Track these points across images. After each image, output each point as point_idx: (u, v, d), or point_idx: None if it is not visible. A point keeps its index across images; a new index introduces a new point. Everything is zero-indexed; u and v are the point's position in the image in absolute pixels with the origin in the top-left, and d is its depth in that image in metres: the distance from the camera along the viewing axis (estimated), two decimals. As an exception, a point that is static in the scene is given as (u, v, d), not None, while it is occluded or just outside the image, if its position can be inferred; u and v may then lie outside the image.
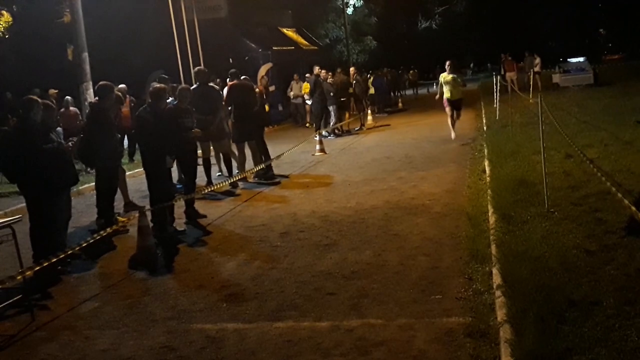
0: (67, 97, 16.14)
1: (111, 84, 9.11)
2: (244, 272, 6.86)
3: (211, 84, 12.51)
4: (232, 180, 11.57)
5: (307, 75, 24.05)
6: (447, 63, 16.13)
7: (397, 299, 5.66)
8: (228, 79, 12.81)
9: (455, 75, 15.92)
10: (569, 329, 4.26)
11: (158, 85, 8.75)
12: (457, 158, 12.96)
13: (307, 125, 23.58)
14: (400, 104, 30.57)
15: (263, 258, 7.30)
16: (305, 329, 5.23)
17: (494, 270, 5.68)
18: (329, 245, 7.54)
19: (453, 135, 15.91)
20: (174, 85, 11.17)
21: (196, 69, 12.79)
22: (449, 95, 15.80)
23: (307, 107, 23.68)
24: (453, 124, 16.19)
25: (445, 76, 15.94)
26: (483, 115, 19.51)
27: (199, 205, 9.91)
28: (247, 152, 12.70)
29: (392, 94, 31.48)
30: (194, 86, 11.95)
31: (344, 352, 4.73)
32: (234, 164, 12.81)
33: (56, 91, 18.41)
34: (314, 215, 9.13)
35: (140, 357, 5.00)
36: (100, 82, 9.08)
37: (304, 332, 5.16)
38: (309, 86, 22.99)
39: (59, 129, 15.38)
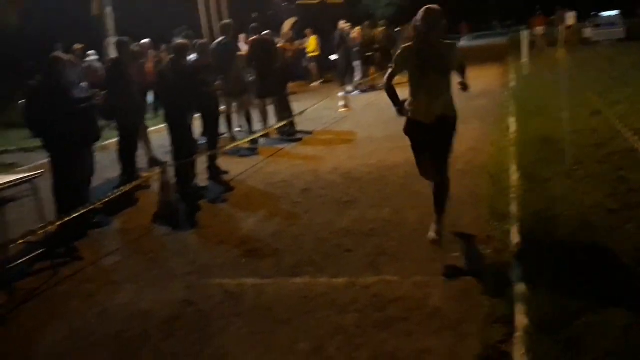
0: (90, 51, 16.14)
1: (127, 40, 9.10)
2: (263, 229, 6.90)
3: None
4: (254, 137, 11.57)
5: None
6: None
7: (414, 256, 5.66)
8: (248, 34, 12.73)
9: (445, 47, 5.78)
10: (585, 288, 4.23)
11: (180, 41, 8.72)
12: (482, 115, 12.77)
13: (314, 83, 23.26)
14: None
15: (283, 214, 7.33)
16: (322, 285, 5.27)
17: (513, 229, 5.64)
18: (349, 202, 7.54)
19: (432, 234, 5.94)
20: (198, 40, 11.09)
21: (223, 22, 12.69)
22: (420, 107, 5.81)
23: (312, 65, 23.41)
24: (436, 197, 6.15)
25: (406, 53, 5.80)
26: (511, 70, 19.17)
27: (221, 161, 9.94)
28: (270, 108, 12.67)
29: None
30: (218, 39, 11.91)
31: (359, 309, 4.76)
32: (255, 120, 12.79)
33: (81, 46, 18.43)
34: (335, 172, 9.12)
35: (159, 311, 5.08)
36: (118, 38, 9.08)
37: (321, 288, 5.20)
38: (314, 42, 22.78)
39: (83, 84, 15.47)
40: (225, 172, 9.62)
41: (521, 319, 4.03)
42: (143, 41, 13.99)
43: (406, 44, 5.71)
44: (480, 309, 4.47)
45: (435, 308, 4.64)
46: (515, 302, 4.32)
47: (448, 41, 5.73)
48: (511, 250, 5.28)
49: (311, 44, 23.23)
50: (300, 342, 4.36)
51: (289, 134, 12.58)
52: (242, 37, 16.63)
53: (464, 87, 5.91)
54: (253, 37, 12.68)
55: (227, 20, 12.53)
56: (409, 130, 6.01)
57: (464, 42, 46.27)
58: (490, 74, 20.92)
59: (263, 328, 4.63)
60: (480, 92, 16.13)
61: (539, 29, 27.83)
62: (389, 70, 5.83)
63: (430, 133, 5.73)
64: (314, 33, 23.72)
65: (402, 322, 4.49)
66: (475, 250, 5.60)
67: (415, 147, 6.07)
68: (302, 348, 4.28)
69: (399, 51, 5.74)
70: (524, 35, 20.39)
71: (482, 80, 19.17)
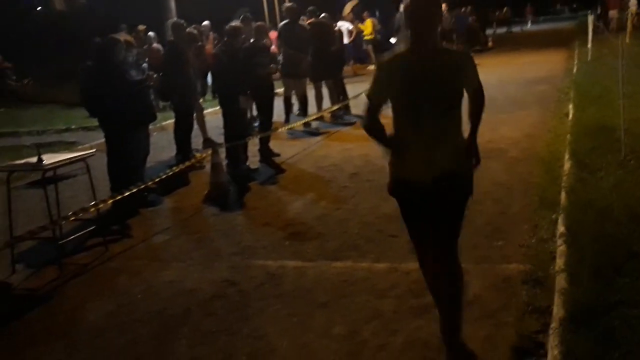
0: (150, 32, 16.40)
1: (183, 22, 9.24)
2: (309, 212, 6.95)
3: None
4: (308, 120, 11.62)
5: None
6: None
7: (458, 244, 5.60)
8: (306, 17, 12.75)
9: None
10: (625, 281, 4.12)
11: (233, 24, 8.80)
12: (541, 101, 12.50)
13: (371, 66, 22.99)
14: (490, 43, 29.58)
15: (330, 198, 7.36)
16: (363, 269, 5.29)
17: (559, 218, 5.53)
18: (397, 187, 7.50)
19: None
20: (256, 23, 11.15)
21: (287, 5, 12.73)
22: (413, 158, 3.75)
23: (369, 47, 23.17)
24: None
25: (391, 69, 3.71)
26: (575, 56, 18.65)
27: (274, 144, 10.02)
28: (324, 91, 12.68)
29: (480, 32, 30.36)
30: (284, 22, 11.99)
31: (398, 294, 4.77)
32: (311, 103, 12.81)
33: (144, 27, 18.80)
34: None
35: (202, 290, 5.19)
36: (173, 20, 9.22)
37: (361, 273, 5.21)
38: (370, 25, 22.52)
39: (144, 64, 15.78)
40: (277, 155, 9.69)
41: (558, 310, 3.96)
42: (203, 23, 14.19)
43: (395, 54, 3.65)
44: (519, 297, 4.42)
45: (474, 296, 4.60)
46: (554, 293, 4.25)
47: (457, 49, 3.92)
48: (556, 240, 5.18)
49: (367, 27, 23.04)
50: (336, 326, 4.39)
51: (343, 117, 12.57)
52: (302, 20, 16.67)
53: (471, 154, 3.82)
54: (310, 20, 12.70)
55: (290, 3, 12.56)
56: (395, 192, 4.02)
57: (529, 27, 45.22)
58: (554, 59, 20.40)
59: (301, 310, 4.68)
60: (542, 77, 15.81)
61: (613, 12, 26.87)
62: (366, 103, 3.91)
63: (430, 198, 3.69)
64: (371, 16, 23.51)
65: (439, 309, 4.47)
66: (519, 239, 5.50)
67: (407, 218, 3.99)
68: (338, 331, 4.31)
69: (378, 66, 3.75)
70: (590, 19, 19.77)
71: (544, 65, 18.76)
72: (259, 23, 10.08)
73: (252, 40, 9.74)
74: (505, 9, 42.17)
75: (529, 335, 3.91)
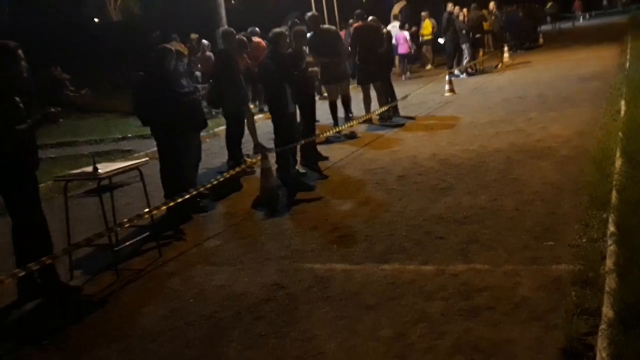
0: (204, 40, 16.67)
1: (231, 30, 9.38)
2: (357, 215, 7.00)
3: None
4: (355, 123, 11.65)
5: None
6: None
7: (507, 245, 5.59)
8: (352, 20, 12.80)
9: None
10: (676, 283, 4.06)
11: (276, 30, 8.89)
12: (593, 97, 12.29)
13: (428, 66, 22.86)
14: (541, 40, 29.13)
15: (377, 201, 7.40)
16: (410, 272, 5.31)
17: (610, 218, 5.45)
18: (444, 188, 7.51)
19: None
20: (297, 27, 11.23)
21: (309, 14, 12.70)
22: None
23: (426, 48, 23.03)
24: None
25: None
26: (627, 51, 18.23)
27: (323, 148, 10.10)
28: (372, 93, 12.71)
29: (531, 29, 29.88)
30: (311, 34, 12.05)
31: (446, 297, 4.77)
32: (358, 106, 12.83)
33: (197, 36, 19.14)
34: (433, 158, 9.07)
35: (252, 294, 5.29)
36: (223, 28, 9.38)
37: (409, 275, 5.24)
38: (429, 25, 22.39)
39: (197, 73, 16.08)
40: (326, 158, 9.76)
41: (608, 312, 3.91)
42: (250, 29, 14.36)
43: None
44: (568, 299, 4.37)
45: (523, 298, 4.58)
46: (603, 294, 4.20)
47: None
48: (606, 239, 5.11)
49: (426, 27, 22.92)
50: (383, 328, 4.43)
51: (391, 119, 12.57)
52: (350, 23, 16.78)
53: None
54: (357, 24, 12.74)
55: (312, 13, 12.58)
56: None
57: (580, 22, 44.24)
58: (605, 54, 20.00)
59: (349, 313, 4.73)
60: (594, 73, 15.53)
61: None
62: None
63: None
64: (430, 16, 23.39)
65: (488, 311, 4.47)
66: (570, 239, 5.45)
67: None
68: (385, 334, 4.35)
69: None
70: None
71: (596, 61, 18.41)
72: (297, 28, 10.13)
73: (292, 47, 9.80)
74: (550, 4, 41.26)
75: (578, 337, 3.87)
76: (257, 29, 14.60)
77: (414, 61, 23.19)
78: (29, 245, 5.52)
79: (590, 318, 4.05)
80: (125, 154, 11.60)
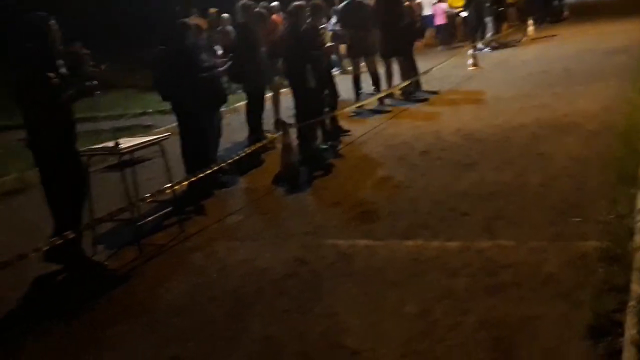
0: (224, 14, 16.51)
1: (252, 3, 9.26)
2: (379, 190, 6.94)
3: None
4: (378, 97, 11.54)
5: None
6: None
7: (532, 221, 5.51)
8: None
9: None
10: None
11: (296, 3, 8.78)
12: (619, 72, 12.02)
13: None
14: (565, 13, 28.58)
15: (400, 177, 7.32)
16: (435, 248, 5.25)
17: (639, 194, 5.34)
18: (469, 164, 7.41)
19: None
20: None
21: None
22: None
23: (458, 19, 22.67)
24: None
25: None
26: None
27: (345, 122, 10.02)
28: (395, 67, 12.57)
29: (553, 2, 29.33)
30: (344, 2, 11.91)
31: (471, 273, 4.71)
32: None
33: (216, 10, 18.99)
34: (457, 133, 8.96)
35: (274, 269, 5.27)
36: (242, 2, 9.28)
37: (433, 252, 5.18)
38: None
39: (216, 47, 15.96)
40: (348, 132, 9.68)
41: (636, 288, 3.84)
42: (272, 4, 14.22)
43: None
44: (596, 275, 4.30)
45: (549, 274, 4.51)
46: (632, 271, 4.12)
47: None
48: (634, 216, 5.01)
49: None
50: (407, 305, 4.38)
51: (414, 94, 12.43)
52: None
53: None
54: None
55: None
56: None
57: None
58: (633, 28, 19.55)
59: (372, 289, 4.69)
60: (620, 47, 15.21)
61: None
62: None
63: None
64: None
65: (513, 287, 4.41)
66: (597, 215, 5.35)
67: None
68: (409, 310, 4.31)
69: None
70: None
71: (623, 35, 18.01)
72: (315, 2, 10.00)
73: (308, 20, 9.67)
74: None
75: (606, 314, 3.80)
76: (276, 3, 14.45)
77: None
78: (67, 217, 5.51)
79: (618, 295, 3.96)
80: (145, 129, 11.60)
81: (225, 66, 8.55)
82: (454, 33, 22.68)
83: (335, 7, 15.07)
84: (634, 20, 21.86)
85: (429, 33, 22.75)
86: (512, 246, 5.07)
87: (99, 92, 5.70)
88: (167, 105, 12.53)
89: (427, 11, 22.34)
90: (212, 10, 19.26)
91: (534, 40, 20.27)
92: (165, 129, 11.02)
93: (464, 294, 4.42)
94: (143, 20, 23.88)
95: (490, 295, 4.36)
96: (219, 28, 16.18)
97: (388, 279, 4.82)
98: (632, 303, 3.70)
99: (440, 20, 21.52)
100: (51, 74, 5.33)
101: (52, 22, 5.49)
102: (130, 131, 11.16)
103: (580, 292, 4.18)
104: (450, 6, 22.34)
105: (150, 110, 13.83)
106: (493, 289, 4.43)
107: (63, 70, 5.51)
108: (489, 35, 19.17)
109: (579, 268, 4.53)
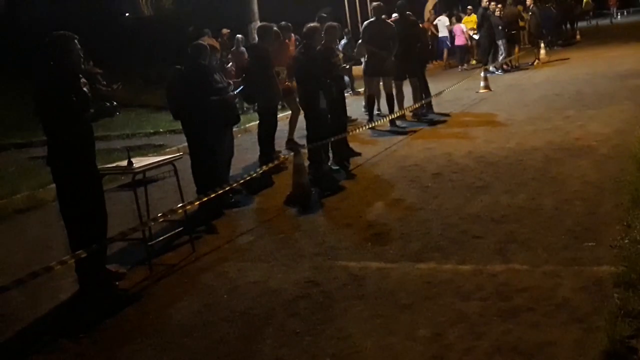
0: (238, 35, 16.62)
1: (270, 25, 9.33)
2: (391, 212, 6.91)
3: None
4: (390, 118, 11.54)
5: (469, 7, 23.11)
6: None
7: (546, 245, 5.47)
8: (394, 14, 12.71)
9: None
10: None
11: (311, 25, 8.82)
12: (632, 95, 12.02)
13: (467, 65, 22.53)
14: (578, 36, 28.66)
15: (412, 199, 7.30)
16: (447, 271, 5.22)
17: (654, 219, 5.31)
18: (481, 187, 7.38)
19: None
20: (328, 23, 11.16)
21: (374, 4, 12.68)
22: None
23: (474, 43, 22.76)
24: None
25: None
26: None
27: (356, 144, 10.02)
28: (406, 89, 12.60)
29: (566, 25, 29.41)
30: (369, 20, 11.99)
31: (484, 297, 4.67)
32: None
33: (228, 31, 19.14)
34: (469, 155, 8.94)
35: (286, 290, 5.24)
36: (260, 23, 9.33)
37: (445, 275, 5.14)
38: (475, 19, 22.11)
39: (229, 65, 16.05)
40: (358, 154, 9.67)
41: (654, 315, 3.80)
42: (281, 24, 14.28)
43: None
44: (611, 301, 4.26)
45: (564, 299, 4.48)
46: (648, 297, 4.08)
47: None
48: (650, 241, 4.97)
49: (472, 20, 22.66)
50: (420, 328, 4.34)
51: (426, 115, 12.44)
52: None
53: None
54: (395, 17, 12.64)
55: (378, 2, 12.49)
56: None
57: (618, 19, 43.37)
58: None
59: (384, 312, 4.65)
60: (633, 71, 15.25)
61: None
62: None
63: None
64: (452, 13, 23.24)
65: (528, 312, 4.37)
66: (611, 240, 5.30)
67: None
68: (422, 334, 4.27)
69: None
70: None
71: (635, 59, 18.07)
72: (329, 23, 10.06)
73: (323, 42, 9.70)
74: (586, 1, 40.54)
75: (622, 339, 3.76)
76: (289, 24, 14.53)
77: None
78: (82, 235, 5.51)
79: (634, 321, 3.94)
80: (157, 149, 11.64)
81: (239, 89, 8.58)
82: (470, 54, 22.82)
83: (347, 29, 15.16)
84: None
85: (445, 54, 22.93)
86: (525, 270, 5.03)
87: (119, 112, 5.73)
88: (178, 125, 12.61)
89: (442, 33, 22.52)
90: (225, 31, 19.42)
91: (545, 63, 20.29)
92: (176, 148, 11.09)
93: (477, 318, 4.38)
94: (154, 40, 24.08)
95: (504, 319, 4.31)
96: (233, 49, 16.31)
97: (400, 301, 4.79)
98: (648, 329, 3.65)
99: (460, 41, 21.72)
100: (74, 92, 5.39)
101: (76, 41, 5.54)
102: (142, 150, 11.20)
103: (595, 317, 4.14)
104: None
105: (162, 129, 13.89)
106: (507, 313, 4.39)
107: (86, 89, 5.55)
108: (501, 57, 19.19)
109: (594, 293, 4.48)
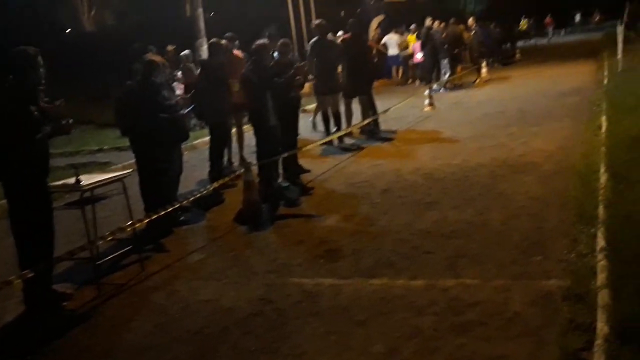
0: (186, 51, 16.44)
1: (220, 41, 9.30)
2: (342, 229, 6.94)
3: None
4: (337, 135, 11.60)
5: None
6: None
7: (495, 259, 5.57)
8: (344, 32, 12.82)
9: None
10: (671, 297, 4.06)
11: (260, 42, 8.83)
12: (573, 113, 12.39)
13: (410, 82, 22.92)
14: (517, 55, 29.43)
15: (362, 215, 7.34)
16: (400, 286, 5.25)
17: (599, 233, 5.45)
18: (430, 203, 7.48)
19: None
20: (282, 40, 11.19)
21: (316, 21, 12.74)
22: None
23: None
24: None
25: None
26: (605, 67, 18.47)
27: (305, 161, 10.04)
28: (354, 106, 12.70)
29: (505, 45, 30.16)
30: (314, 39, 12.03)
31: (437, 312, 4.73)
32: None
33: (173, 47, 18.98)
34: (417, 172, 9.05)
35: (240, 308, 5.19)
36: (211, 40, 9.30)
37: (398, 290, 5.18)
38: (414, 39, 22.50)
39: (175, 84, 15.91)
40: (308, 171, 9.69)
41: (602, 327, 3.89)
42: (229, 36, 14.25)
43: None
44: (561, 314, 4.36)
45: (515, 313, 4.56)
46: (597, 309, 4.18)
47: None
48: (596, 254, 5.11)
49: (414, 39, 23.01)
50: (375, 344, 4.36)
51: (373, 133, 12.55)
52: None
53: None
54: (345, 35, 12.74)
55: (320, 20, 12.59)
56: None
57: (554, 38, 44.73)
58: (583, 70, 20.26)
59: (339, 328, 4.66)
60: (572, 89, 15.71)
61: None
62: None
63: None
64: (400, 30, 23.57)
65: (480, 326, 4.44)
66: (558, 254, 5.44)
67: None
68: (378, 349, 4.29)
69: None
70: (620, 29, 19.53)
71: (574, 77, 18.64)
72: (282, 40, 10.11)
73: (276, 58, 9.74)
74: (523, 22, 41.87)
75: (574, 352, 3.85)
76: (236, 41, 14.50)
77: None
78: (32, 253, 5.37)
79: (584, 333, 4.03)
80: (102, 166, 11.41)
81: (190, 107, 8.50)
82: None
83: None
84: (583, 63, 22.67)
85: (401, 71, 23.22)
86: (476, 284, 5.11)
87: (75, 129, 5.64)
88: (123, 142, 12.41)
89: (392, 51, 22.78)
90: (170, 47, 19.25)
91: (487, 81, 20.74)
92: (122, 166, 10.90)
93: (431, 333, 4.42)
94: (97, 56, 23.75)
95: (457, 334, 4.37)
96: (181, 65, 16.18)
97: (355, 317, 4.80)
98: (599, 341, 3.75)
99: (419, 59, 21.84)
100: (33, 108, 5.28)
101: (40, 57, 5.45)
102: (87, 168, 10.97)
103: (546, 330, 4.23)
104: (406, 47, 22.80)
105: (107, 147, 13.64)
106: (460, 327, 4.45)
107: (45, 105, 5.46)
108: (444, 76, 19.54)
109: (544, 307, 4.58)
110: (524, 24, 41.54)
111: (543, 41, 41.55)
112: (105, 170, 10.46)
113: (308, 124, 13.46)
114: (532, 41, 40.20)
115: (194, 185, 9.65)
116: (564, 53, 29.22)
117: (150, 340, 4.84)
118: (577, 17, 57.61)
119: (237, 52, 12.38)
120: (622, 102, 11.15)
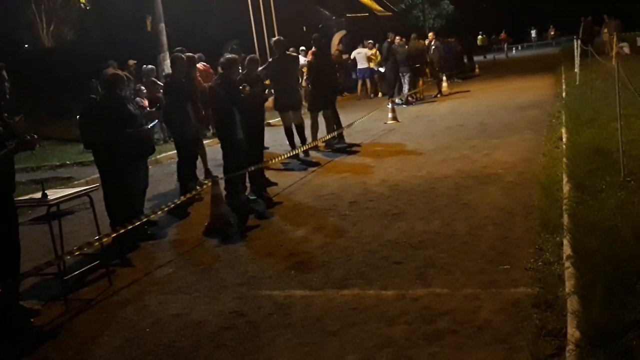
0: (150, 66, 16.33)
1: (180, 55, 9.28)
2: (312, 241, 6.95)
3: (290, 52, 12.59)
4: (303, 149, 11.64)
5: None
6: None
7: (464, 268, 5.64)
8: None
9: None
10: (638, 301, 4.15)
11: (229, 56, 8.84)
12: (533, 125, 12.63)
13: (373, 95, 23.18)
14: (477, 70, 29.92)
15: (331, 227, 7.37)
16: (371, 297, 5.28)
17: (565, 241, 5.56)
18: (397, 214, 7.54)
19: None
20: (245, 55, 11.24)
21: (274, 39, 12.78)
22: None
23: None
24: None
25: None
26: (562, 81, 18.89)
27: (271, 174, 10.04)
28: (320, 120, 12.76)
29: (465, 60, 30.65)
30: (274, 57, 12.05)
31: (409, 321, 4.76)
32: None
33: (134, 62, 18.87)
34: (383, 184, 9.12)
35: (211, 322, 5.16)
36: (173, 54, 9.27)
37: (370, 300, 5.21)
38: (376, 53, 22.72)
39: (138, 99, 15.80)
40: (275, 184, 9.70)
41: (573, 332, 3.97)
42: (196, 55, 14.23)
43: None
44: (531, 321, 4.43)
45: (485, 321, 4.61)
46: (567, 315, 4.26)
47: None
48: (562, 262, 5.21)
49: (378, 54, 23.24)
50: (349, 354, 4.38)
51: (338, 146, 12.62)
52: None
53: None
54: (313, 50, 12.81)
55: (278, 37, 12.65)
56: None
57: (512, 53, 45.62)
58: (541, 84, 20.68)
59: (312, 339, 4.66)
60: (532, 102, 16.01)
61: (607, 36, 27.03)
62: None
63: None
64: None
65: (452, 334, 4.48)
66: (525, 263, 5.53)
67: None
68: (351, 360, 4.30)
69: None
70: (577, 44, 20.01)
71: (533, 90, 19.01)
72: (251, 55, 10.15)
73: (243, 72, 9.76)
74: (481, 36, 42.78)
75: (545, 358, 3.92)
76: (202, 55, 14.50)
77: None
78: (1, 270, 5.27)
79: (555, 339, 4.10)
80: (65, 182, 11.27)
81: (153, 123, 8.42)
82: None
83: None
84: (541, 77, 23.15)
85: (369, 85, 23.40)
86: (446, 294, 5.17)
87: (39, 145, 5.55)
88: (85, 157, 12.30)
89: (361, 64, 22.95)
90: (131, 62, 19.13)
91: (447, 95, 21.03)
92: (85, 181, 10.79)
93: (404, 342, 4.45)
94: (55, 72, 23.47)
95: (429, 342, 4.40)
96: (144, 80, 16.07)
97: (327, 328, 4.81)
98: (570, 347, 3.82)
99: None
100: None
101: (4, 71, 5.38)
102: (49, 184, 10.79)
103: (517, 337, 4.28)
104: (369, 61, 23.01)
105: (68, 162, 13.46)
106: (432, 336, 4.49)
107: (7, 120, 5.38)
108: (406, 90, 19.74)
109: (514, 314, 4.65)
110: (482, 39, 42.33)
111: (501, 56, 42.30)
112: (68, 185, 10.33)
113: (273, 138, 13.50)
114: (491, 56, 40.89)
115: (160, 199, 9.57)
116: (522, 67, 29.80)
117: (120, 355, 4.78)
118: (533, 33, 58.84)
119: (201, 65, 12.40)
120: (581, 115, 11.41)
